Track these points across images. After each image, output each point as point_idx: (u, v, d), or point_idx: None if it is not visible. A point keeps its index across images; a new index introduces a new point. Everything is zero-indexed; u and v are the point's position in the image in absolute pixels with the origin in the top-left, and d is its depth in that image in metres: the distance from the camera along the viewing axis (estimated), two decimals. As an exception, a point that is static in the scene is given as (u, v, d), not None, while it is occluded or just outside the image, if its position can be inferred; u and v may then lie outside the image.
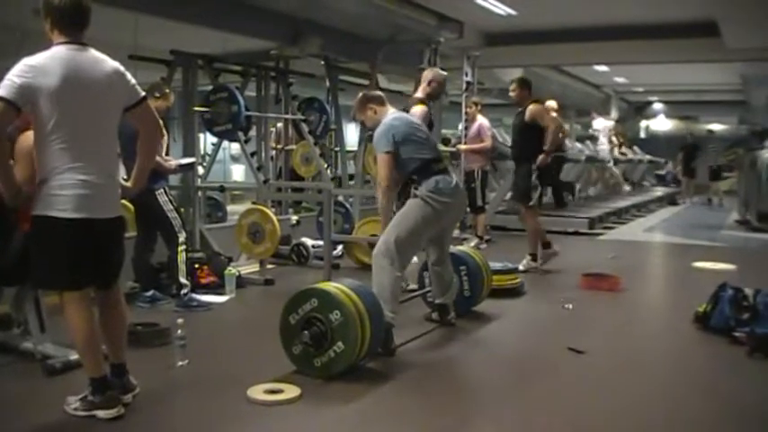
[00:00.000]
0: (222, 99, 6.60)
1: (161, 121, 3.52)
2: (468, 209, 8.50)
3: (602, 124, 14.25)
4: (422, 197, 4.32)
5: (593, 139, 14.74)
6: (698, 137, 18.61)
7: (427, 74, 5.83)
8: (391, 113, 4.56)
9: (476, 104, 9.16)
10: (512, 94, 6.89)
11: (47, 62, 2.90)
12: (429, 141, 4.57)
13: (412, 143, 4.40)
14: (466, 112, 9.34)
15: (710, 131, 20.07)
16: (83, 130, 2.98)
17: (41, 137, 2.95)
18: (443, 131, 11.20)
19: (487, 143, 8.84)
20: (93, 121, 3.02)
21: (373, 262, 4.27)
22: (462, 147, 8.97)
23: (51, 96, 2.88)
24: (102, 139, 3.09)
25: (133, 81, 3.16)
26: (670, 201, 16.73)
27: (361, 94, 4.77)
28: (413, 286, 5.25)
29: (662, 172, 20.78)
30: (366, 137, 7.84)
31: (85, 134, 2.99)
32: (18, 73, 2.85)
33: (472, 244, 8.32)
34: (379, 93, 4.87)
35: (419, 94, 5.72)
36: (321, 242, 6.52)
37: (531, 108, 6.69)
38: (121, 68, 3.12)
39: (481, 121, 8.92)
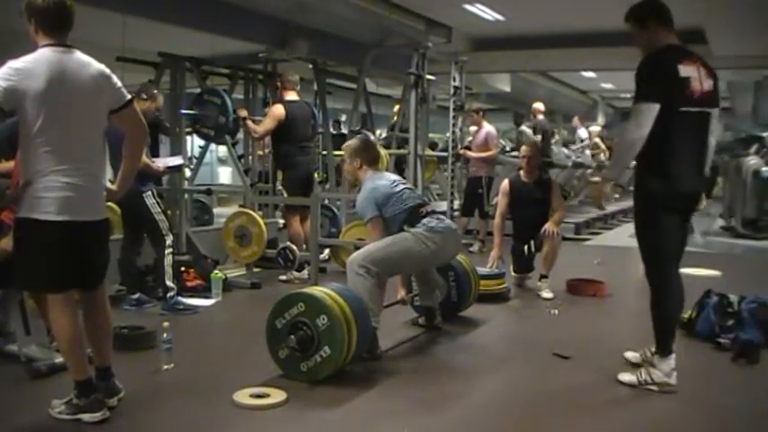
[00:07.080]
0: (210, 102, 6.58)
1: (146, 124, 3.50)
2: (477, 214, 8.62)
3: (585, 133, 14.19)
4: (415, 234, 4.23)
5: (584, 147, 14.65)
6: None
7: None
8: (371, 176, 4.48)
9: (478, 111, 9.19)
10: None
11: (32, 65, 2.88)
12: (410, 192, 4.49)
13: (394, 200, 4.33)
14: (454, 116, 9.36)
15: None
16: (68, 132, 2.96)
17: (26, 139, 2.93)
18: (431, 135, 11.22)
19: (494, 152, 8.89)
20: (79, 123, 3.00)
21: (347, 267, 4.18)
22: (470, 153, 9.01)
23: (37, 99, 2.86)
24: (88, 141, 3.07)
25: (119, 83, 3.15)
26: None
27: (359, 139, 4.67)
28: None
29: None
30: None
31: (71, 137, 2.97)
32: (3, 76, 2.83)
33: (475, 248, 8.37)
34: (375, 151, 4.75)
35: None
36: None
37: None
38: (107, 71, 3.10)
39: (488, 128, 8.97)
